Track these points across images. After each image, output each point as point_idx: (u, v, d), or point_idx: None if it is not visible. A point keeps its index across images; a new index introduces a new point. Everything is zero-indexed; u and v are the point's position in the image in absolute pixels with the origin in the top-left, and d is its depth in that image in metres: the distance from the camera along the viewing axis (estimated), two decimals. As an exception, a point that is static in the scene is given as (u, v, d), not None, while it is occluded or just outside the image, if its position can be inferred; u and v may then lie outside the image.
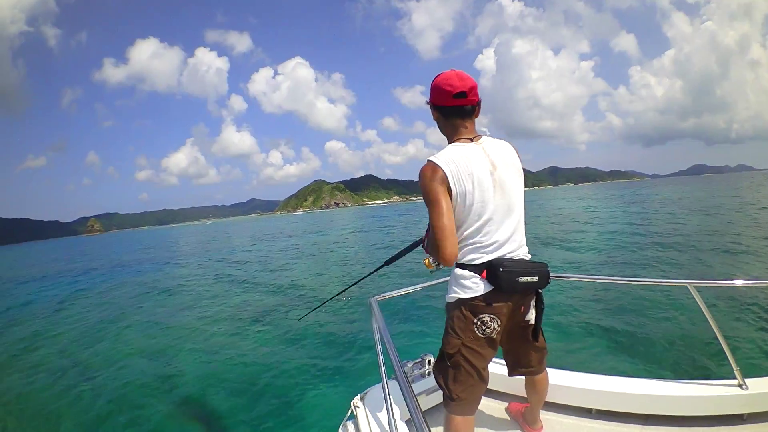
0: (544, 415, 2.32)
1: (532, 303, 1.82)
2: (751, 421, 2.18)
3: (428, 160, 1.65)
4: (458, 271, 1.73)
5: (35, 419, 5.49)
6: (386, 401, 1.75)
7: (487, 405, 2.53)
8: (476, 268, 1.67)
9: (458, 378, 1.76)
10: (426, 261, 1.89)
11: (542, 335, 1.93)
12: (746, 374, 2.22)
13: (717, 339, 2.21)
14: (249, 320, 9.26)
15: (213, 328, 8.90)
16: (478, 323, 1.70)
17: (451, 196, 1.62)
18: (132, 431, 4.90)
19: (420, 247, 2.10)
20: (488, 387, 2.34)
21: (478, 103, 1.73)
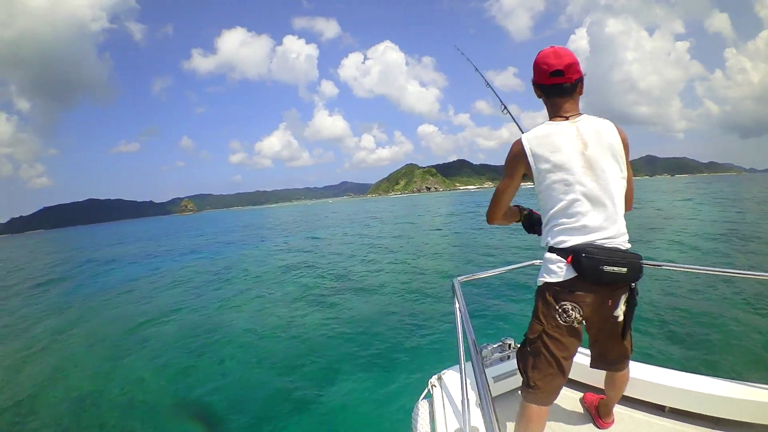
0: (616, 409, 2.29)
1: (624, 298, 1.72)
2: None
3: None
4: (547, 254, 1.71)
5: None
6: (462, 383, 1.73)
7: (564, 394, 2.46)
8: (563, 252, 1.65)
9: (537, 365, 1.73)
10: None
11: (630, 334, 1.87)
12: None
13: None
14: (355, 290, 10.52)
15: (326, 299, 9.88)
16: (560, 310, 1.66)
17: (531, 173, 1.68)
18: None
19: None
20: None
21: (580, 80, 1.71)
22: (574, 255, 1.60)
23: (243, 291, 11.79)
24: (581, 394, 2.44)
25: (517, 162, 1.70)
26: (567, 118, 1.67)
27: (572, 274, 1.62)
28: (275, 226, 45.27)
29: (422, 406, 2.17)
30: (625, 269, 1.58)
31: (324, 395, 5.19)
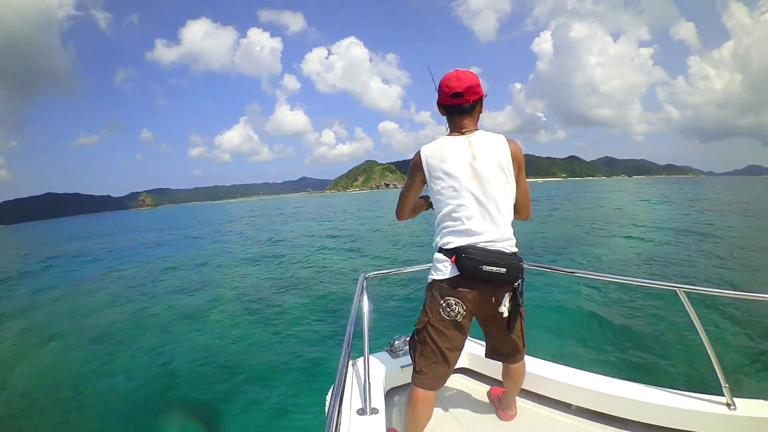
0: (522, 404, 2.39)
1: (508, 296, 1.82)
2: None
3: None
4: (436, 254, 1.86)
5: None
6: (365, 369, 2.03)
7: (471, 386, 2.64)
8: (448, 252, 1.79)
9: (424, 353, 1.88)
10: None
11: (522, 328, 2.02)
12: (735, 393, 2.14)
13: (706, 350, 2.17)
14: (282, 290, 10.61)
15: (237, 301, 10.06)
16: (444, 305, 1.80)
17: (426, 180, 1.87)
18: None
19: None
20: (474, 370, 2.73)
21: (478, 101, 1.86)
22: (456, 255, 1.75)
23: (179, 295, 11.57)
24: (489, 387, 2.55)
25: (416, 170, 1.89)
26: (463, 133, 1.84)
27: (456, 273, 1.76)
28: (235, 225, 41.83)
29: (334, 390, 2.04)
30: (504, 269, 1.71)
31: (257, 391, 5.41)
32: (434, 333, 1.85)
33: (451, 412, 2.39)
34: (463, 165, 1.78)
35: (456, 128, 1.89)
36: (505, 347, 2.07)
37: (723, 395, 2.12)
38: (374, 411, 1.93)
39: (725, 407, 2.10)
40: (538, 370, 2.48)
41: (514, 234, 1.85)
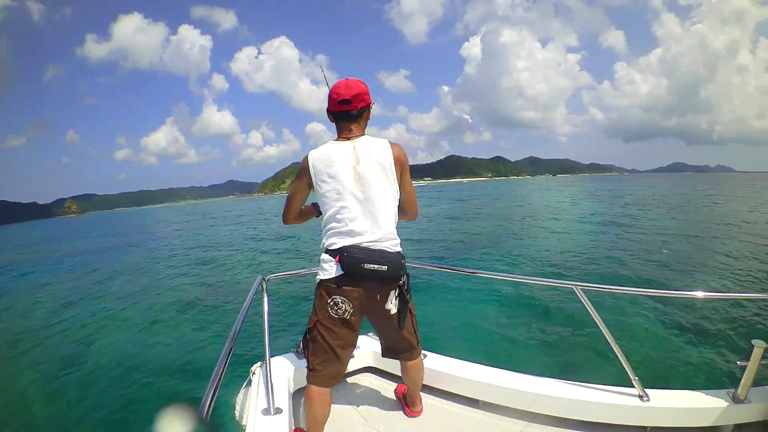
0: (429, 400, 2.44)
1: (394, 293, 1.87)
2: None
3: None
4: (322, 255, 1.89)
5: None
6: (266, 371, 2.07)
7: (379, 384, 2.67)
8: (333, 253, 1.83)
9: (316, 351, 1.92)
10: None
11: (414, 325, 2.09)
12: (646, 384, 2.21)
13: (610, 346, 2.21)
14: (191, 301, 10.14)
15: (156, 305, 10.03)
16: (332, 303, 1.85)
17: (312, 184, 1.90)
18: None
19: None
20: (381, 368, 2.76)
21: (365, 108, 1.92)
22: (340, 255, 1.80)
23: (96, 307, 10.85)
24: (396, 385, 2.57)
25: (303, 174, 1.91)
26: (349, 139, 1.89)
27: (341, 272, 1.81)
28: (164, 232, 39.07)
29: (243, 392, 2.24)
30: (385, 267, 1.77)
31: (170, 393, 5.39)
32: (324, 331, 1.88)
33: (358, 410, 2.41)
34: (347, 169, 1.82)
35: (341, 133, 1.93)
36: (399, 345, 2.10)
37: (633, 387, 2.18)
38: (278, 411, 1.94)
39: (637, 399, 2.16)
40: (444, 367, 2.52)
41: (398, 234, 1.91)
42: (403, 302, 1.89)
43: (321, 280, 1.89)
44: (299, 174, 1.94)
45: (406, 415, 2.35)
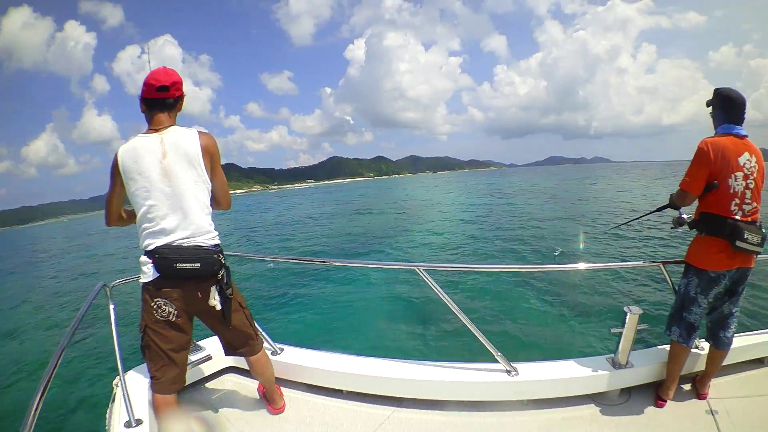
0: (292, 395, 2.45)
1: (215, 289, 1.85)
2: (530, 407, 2.24)
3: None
4: (141, 257, 1.82)
5: None
6: (121, 382, 2.03)
7: (241, 384, 2.65)
8: (149, 254, 1.78)
9: (152, 358, 1.86)
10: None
11: (248, 319, 2.10)
12: (512, 359, 2.30)
13: (466, 326, 2.24)
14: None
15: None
16: (155, 306, 1.80)
17: (122, 181, 1.80)
18: None
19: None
20: (243, 368, 2.65)
21: (180, 98, 1.88)
22: (153, 256, 1.75)
23: None
24: (258, 383, 2.52)
25: (115, 173, 1.81)
26: (158, 131, 1.81)
27: (157, 274, 1.77)
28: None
29: (110, 406, 2.17)
30: (198, 264, 1.74)
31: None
32: (155, 336, 1.84)
33: (221, 413, 2.38)
34: (154, 164, 1.77)
35: (151, 125, 1.87)
36: (235, 341, 2.10)
37: (498, 362, 2.29)
38: (139, 422, 1.91)
39: (505, 374, 2.25)
40: (304, 360, 2.54)
41: (214, 227, 1.91)
42: (225, 297, 1.88)
43: (143, 283, 1.84)
44: (111, 174, 1.85)
45: (270, 413, 2.33)
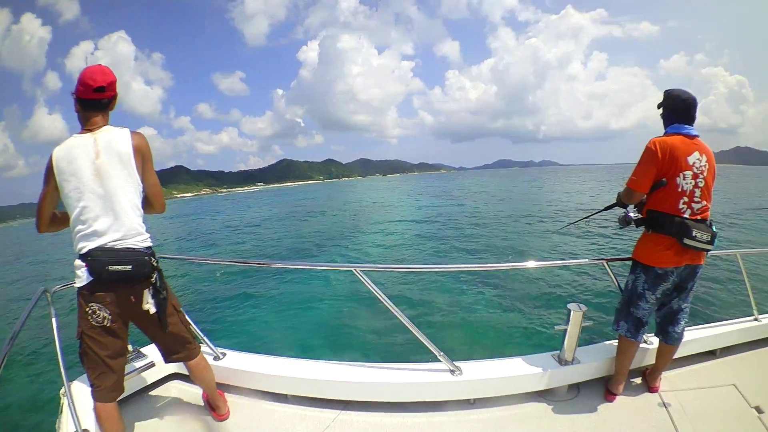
0: (237, 400, 2.41)
1: (149, 292, 1.82)
2: (478, 406, 2.26)
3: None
4: (75, 261, 1.76)
5: None
6: (66, 391, 1.99)
7: (186, 391, 2.59)
8: (82, 258, 1.73)
9: (90, 365, 1.81)
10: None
11: (184, 323, 2.05)
12: (455, 358, 2.30)
13: (417, 327, 2.22)
14: None
15: None
16: (90, 312, 1.75)
17: (57, 184, 1.75)
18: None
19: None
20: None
21: (114, 97, 1.85)
22: (86, 260, 1.72)
23: None
24: (203, 390, 2.45)
25: (49, 175, 1.76)
26: (91, 131, 1.78)
27: (91, 278, 1.72)
28: None
29: (59, 417, 2.11)
30: (129, 266, 1.71)
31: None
32: (91, 342, 1.79)
33: (165, 421, 2.33)
34: (87, 164, 1.73)
35: (84, 126, 1.83)
36: (171, 346, 2.05)
37: (441, 362, 2.29)
38: (86, 431, 1.88)
39: (449, 374, 2.26)
40: (247, 365, 2.51)
41: (147, 229, 1.87)
42: (159, 300, 1.85)
43: (77, 287, 1.79)
44: (45, 176, 1.79)
45: (215, 419, 2.29)
